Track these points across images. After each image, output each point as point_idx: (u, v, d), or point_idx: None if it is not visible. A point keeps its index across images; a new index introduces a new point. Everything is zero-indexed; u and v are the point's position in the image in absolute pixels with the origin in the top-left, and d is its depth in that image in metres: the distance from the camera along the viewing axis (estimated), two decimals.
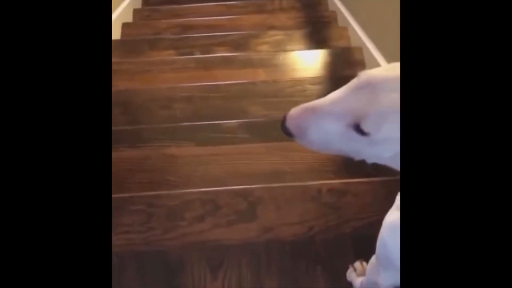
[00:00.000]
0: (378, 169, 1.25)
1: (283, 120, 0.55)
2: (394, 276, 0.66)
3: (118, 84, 1.71)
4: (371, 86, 0.50)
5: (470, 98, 0.43)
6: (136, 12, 2.49)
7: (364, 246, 0.86)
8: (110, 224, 0.55)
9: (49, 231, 0.46)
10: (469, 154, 0.42)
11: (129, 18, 2.42)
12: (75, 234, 0.47)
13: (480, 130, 0.43)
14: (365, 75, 0.51)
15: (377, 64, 1.64)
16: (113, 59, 1.94)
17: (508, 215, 0.40)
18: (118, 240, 0.99)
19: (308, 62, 1.77)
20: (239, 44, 1.99)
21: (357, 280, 0.86)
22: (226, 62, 1.76)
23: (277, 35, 2.04)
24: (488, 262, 0.40)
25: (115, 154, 1.24)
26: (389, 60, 1.52)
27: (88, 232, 0.48)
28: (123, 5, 2.37)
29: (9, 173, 0.46)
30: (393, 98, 0.48)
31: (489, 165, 0.42)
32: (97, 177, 0.49)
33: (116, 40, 2.04)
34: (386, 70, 0.51)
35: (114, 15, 2.18)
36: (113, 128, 1.40)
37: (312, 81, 1.57)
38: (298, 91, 1.54)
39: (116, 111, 1.50)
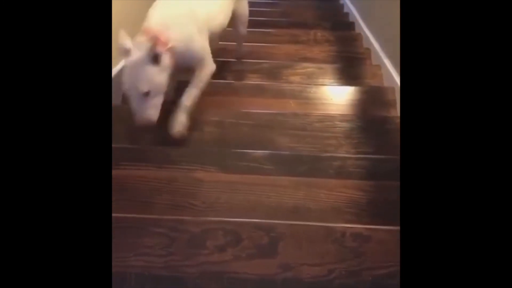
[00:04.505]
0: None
1: None
2: None
3: None
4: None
5: (470, 107, 0.47)
6: None
7: None
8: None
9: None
10: (469, 157, 0.45)
11: None
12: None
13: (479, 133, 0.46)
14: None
15: None
16: None
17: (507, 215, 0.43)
18: (138, 261, 1.00)
19: (339, 97, 1.78)
20: (272, 73, 2.01)
21: None
22: (258, 90, 1.78)
23: (310, 67, 2.06)
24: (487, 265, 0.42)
25: (143, 173, 1.27)
26: None
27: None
28: None
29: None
30: None
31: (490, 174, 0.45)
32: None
33: None
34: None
35: None
36: (143, 147, 1.43)
37: (342, 118, 1.57)
38: (327, 127, 1.54)
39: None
